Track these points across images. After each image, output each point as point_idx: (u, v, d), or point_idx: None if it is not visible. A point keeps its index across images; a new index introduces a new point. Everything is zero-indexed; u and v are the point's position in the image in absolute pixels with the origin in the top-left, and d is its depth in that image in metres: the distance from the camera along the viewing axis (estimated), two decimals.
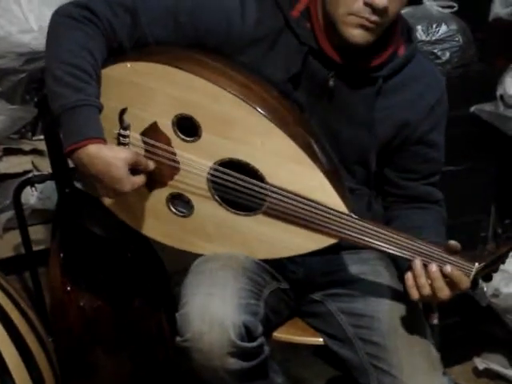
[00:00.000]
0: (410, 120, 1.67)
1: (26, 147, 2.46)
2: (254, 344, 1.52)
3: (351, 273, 1.75)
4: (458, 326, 2.52)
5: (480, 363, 2.50)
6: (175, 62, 1.57)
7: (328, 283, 1.74)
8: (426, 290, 1.50)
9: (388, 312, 1.65)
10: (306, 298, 1.77)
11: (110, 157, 1.51)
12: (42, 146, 2.40)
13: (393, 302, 1.67)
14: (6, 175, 2.44)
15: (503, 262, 1.58)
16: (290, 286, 1.74)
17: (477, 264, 1.50)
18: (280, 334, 1.76)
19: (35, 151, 2.47)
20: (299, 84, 1.63)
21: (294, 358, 2.41)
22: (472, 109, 2.40)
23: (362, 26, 1.50)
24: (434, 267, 1.50)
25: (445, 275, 1.49)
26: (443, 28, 2.37)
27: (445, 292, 1.50)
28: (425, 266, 1.50)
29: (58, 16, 1.61)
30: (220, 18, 1.60)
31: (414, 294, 1.52)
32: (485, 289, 2.35)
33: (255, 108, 1.53)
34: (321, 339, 1.75)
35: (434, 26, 2.37)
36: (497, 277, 2.32)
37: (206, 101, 1.55)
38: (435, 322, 2.25)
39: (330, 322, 1.73)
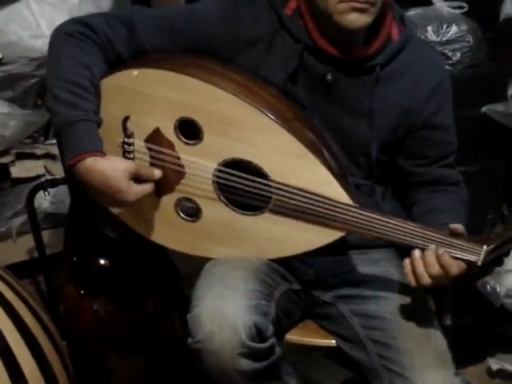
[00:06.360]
0: (411, 106, 1.67)
1: (39, 151, 2.47)
2: (265, 345, 1.52)
3: (362, 274, 1.75)
4: (472, 326, 2.50)
5: (494, 364, 2.48)
6: (173, 66, 1.59)
7: (339, 284, 1.74)
8: (424, 279, 1.49)
9: (399, 313, 1.65)
10: (318, 300, 1.77)
11: (107, 169, 1.51)
12: (55, 150, 2.42)
13: (404, 302, 1.67)
14: (19, 180, 2.45)
15: None
16: (301, 287, 1.75)
17: (485, 246, 1.47)
18: (292, 336, 1.77)
19: (48, 155, 2.48)
20: (298, 82, 1.64)
21: (306, 360, 2.40)
22: (483, 109, 2.39)
23: (356, 9, 1.50)
24: (430, 253, 1.48)
25: (439, 259, 1.47)
26: (454, 28, 2.36)
27: (440, 278, 1.48)
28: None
29: (57, 34, 1.63)
30: (215, 23, 1.62)
31: (412, 281, 1.51)
32: (498, 289, 2.35)
33: (253, 106, 1.54)
34: (333, 341, 1.75)
35: (445, 26, 2.36)
36: (510, 278, 2.34)
37: (205, 102, 1.56)
38: (448, 322, 2.25)
39: (342, 324, 1.73)
